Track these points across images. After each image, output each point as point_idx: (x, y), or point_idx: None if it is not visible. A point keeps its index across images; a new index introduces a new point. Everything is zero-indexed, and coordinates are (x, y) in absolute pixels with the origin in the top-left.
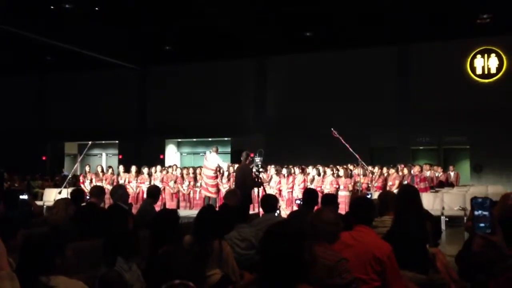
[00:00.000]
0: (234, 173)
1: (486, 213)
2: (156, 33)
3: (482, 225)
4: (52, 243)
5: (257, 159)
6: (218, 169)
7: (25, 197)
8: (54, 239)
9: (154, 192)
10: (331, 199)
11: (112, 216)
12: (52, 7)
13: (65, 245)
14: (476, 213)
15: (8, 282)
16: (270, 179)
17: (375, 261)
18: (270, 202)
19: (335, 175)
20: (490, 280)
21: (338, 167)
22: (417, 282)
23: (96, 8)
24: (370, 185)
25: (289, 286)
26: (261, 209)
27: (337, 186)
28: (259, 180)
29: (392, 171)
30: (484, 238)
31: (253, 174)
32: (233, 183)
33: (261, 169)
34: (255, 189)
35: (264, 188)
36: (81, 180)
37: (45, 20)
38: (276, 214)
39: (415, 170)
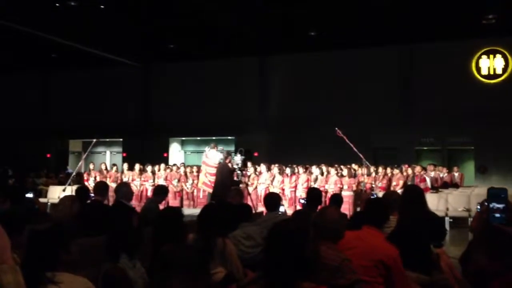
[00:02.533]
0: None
1: (500, 205)
2: (160, 31)
3: (497, 215)
4: (57, 239)
5: (237, 158)
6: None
7: (30, 195)
8: (60, 235)
9: (161, 191)
10: (339, 199)
11: (116, 213)
12: (57, 4)
13: (70, 241)
14: (491, 204)
15: (11, 275)
16: (273, 179)
17: (381, 264)
18: (272, 200)
19: (339, 174)
20: (493, 280)
21: (342, 166)
22: (421, 283)
23: (101, 6)
24: (374, 185)
25: (292, 283)
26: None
27: (341, 186)
28: (238, 179)
29: (396, 171)
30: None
31: (235, 172)
32: None
33: (243, 168)
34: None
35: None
36: (85, 178)
37: (49, 17)
38: (281, 212)
39: (416, 170)
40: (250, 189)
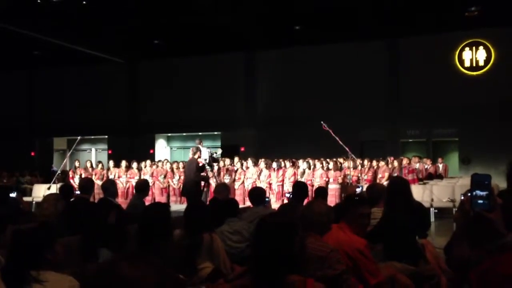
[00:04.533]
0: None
1: (483, 193)
2: (145, 27)
3: (480, 201)
4: (42, 238)
5: (204, 153)
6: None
7: (14, 195)
8: (44, 234)
9: (142, 186)
10: (323, 191)
11: (92, 212)
12: (39, 1)
13: (54, 240)
14: (474, 191)
15: None
16: (260, 173)
17: (347, 258)
18: (257, 195)
19: (325, 168)
20: (471, 270)
21: (328, 160)
22: (407, 273)
23: (84, 2)
24: (360, 178)
25: (279, 277)
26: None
27: (327, 179)
28: (206, 175)
29: (382, 163)
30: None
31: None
32: (223, 178)
33: (212, 164)
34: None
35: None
36: (70, 176)
37: (32, 14)
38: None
39: (404, 162)
40: (237, 184)
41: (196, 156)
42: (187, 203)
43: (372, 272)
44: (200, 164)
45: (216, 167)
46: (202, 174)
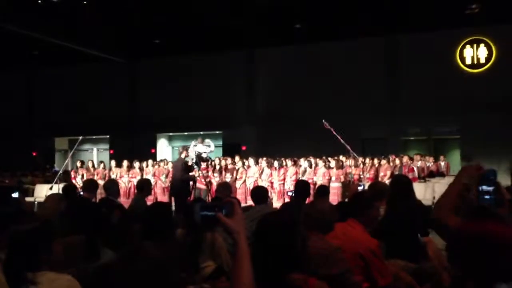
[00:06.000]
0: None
1: (490, 188)
2: (145, 26)
3: (487, 197)
4: (38, 238)
5: (191, 153)
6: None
7: (15, 195)
8: (41, 234)
9: (143, 185)
10: (325, 190)
11: (97, 210)
12: (39, 1)
13: (52, 240)
14: (480, 187)
15: None
16: (262, 172)
17: (358, 257)
18: (260, 194)
19: (326, 166)
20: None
21: (329, 158)
22: (409, 271)
23: (84, 2)
24: (362, 176)
25: (281, 275)
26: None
27: (329, 178)
28: (192, 174)
29: (383, 162)
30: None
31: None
32: (225, 176)
33: (200, 163)
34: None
35: (206, 181)
36: (72, 176)
37: (32, 14)
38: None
39: (404, 160)
40: (239, 183)
41: (183, 156)
42: (175, 203)
43: (382, 273)
44: (189, 163)
45: (218, 166)
46: (190, 173)
